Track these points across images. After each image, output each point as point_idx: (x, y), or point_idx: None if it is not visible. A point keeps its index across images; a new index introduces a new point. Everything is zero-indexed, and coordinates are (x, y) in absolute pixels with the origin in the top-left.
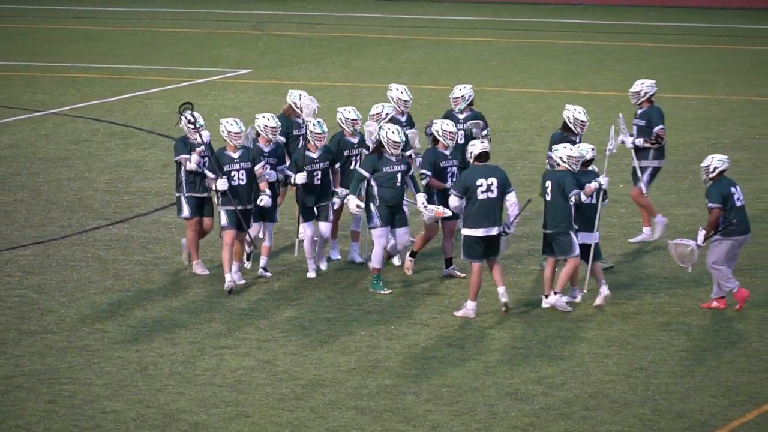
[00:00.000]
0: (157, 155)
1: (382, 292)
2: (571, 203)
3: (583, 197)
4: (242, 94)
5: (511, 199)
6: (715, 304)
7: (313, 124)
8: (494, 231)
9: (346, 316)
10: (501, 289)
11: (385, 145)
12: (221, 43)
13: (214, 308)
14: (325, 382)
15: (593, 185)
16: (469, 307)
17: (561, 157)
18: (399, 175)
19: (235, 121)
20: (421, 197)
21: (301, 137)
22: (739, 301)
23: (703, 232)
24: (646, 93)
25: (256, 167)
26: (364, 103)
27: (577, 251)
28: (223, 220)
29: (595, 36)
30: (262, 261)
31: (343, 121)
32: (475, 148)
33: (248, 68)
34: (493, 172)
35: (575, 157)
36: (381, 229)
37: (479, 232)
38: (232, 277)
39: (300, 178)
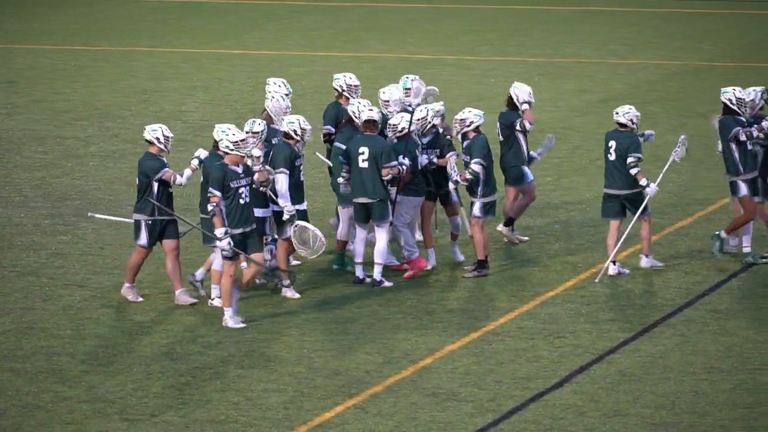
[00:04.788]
0: None
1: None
2: (628, 164)
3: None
4: None
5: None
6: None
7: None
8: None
9: (0, 277)
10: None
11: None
12: None
13: None
14: None
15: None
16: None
17: (631, 119)
18: None
19: (237, 129)
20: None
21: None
22: (414, 268)
23: (395, 189)
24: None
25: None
26: (16, 65)
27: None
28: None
29: None
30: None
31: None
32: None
33: None
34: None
35: (639, 117)
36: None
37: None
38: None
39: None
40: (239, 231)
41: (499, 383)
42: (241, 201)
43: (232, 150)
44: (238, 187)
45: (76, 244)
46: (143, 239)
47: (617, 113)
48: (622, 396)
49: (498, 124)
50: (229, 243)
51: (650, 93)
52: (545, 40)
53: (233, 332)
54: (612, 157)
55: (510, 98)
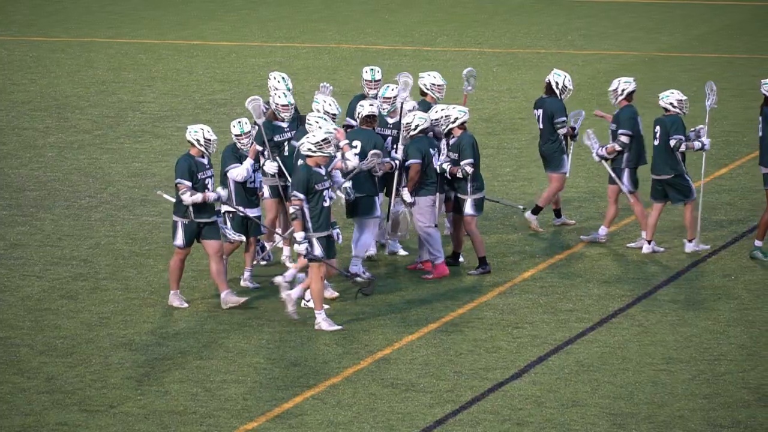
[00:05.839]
0: None
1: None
2: (672, 146)
3: (686, 146)
4: None
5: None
6: (420, 266)
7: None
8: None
9: None
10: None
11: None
12: None
13: None
14: None
15: (696, 144)
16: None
17: (671, 103)
18: None
19: (327, 127)
20: None
21: (285, 143)
22: (435, 273)
23: (407, 189)
24: (623, 90)
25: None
26: None
27: (695, 194)
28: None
29: None
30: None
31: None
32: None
33: None
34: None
35: (684, 101)
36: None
37: None
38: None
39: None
40: (326, 234)
41: (458, 374)
42: (326, 204)
43: (315, 152)
44: (322, 190)
45: (35, 235)
46: (179, 240)
47: (660, 98)
48: (580, 386)
49: (540, 112)
50: (307, 248)
51: (607, 84)
52: (503, 31)
53: (192, 323)
54: (657, 141)
55: (548, 85)
